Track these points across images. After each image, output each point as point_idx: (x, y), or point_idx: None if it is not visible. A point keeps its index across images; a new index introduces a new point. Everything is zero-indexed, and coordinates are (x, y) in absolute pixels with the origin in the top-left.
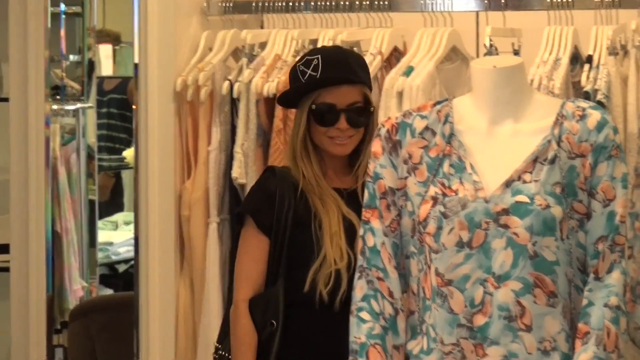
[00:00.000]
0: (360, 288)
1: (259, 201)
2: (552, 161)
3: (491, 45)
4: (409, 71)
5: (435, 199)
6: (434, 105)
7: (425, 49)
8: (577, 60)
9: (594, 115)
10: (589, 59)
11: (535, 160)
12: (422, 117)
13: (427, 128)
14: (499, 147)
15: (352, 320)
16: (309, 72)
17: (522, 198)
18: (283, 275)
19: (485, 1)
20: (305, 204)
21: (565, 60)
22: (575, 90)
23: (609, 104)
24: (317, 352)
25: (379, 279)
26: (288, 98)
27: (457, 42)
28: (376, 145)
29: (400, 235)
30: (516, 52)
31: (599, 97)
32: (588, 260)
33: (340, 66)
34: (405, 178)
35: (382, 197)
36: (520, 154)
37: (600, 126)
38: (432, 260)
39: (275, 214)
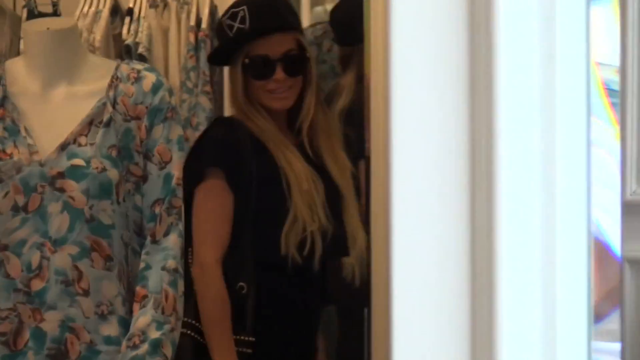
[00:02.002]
0: None
1: (226, 153)
2: (108, 124)
3: None
4: None
5: None
6: None
7: None
8: (118, 12)
9: (149, 77)
10: (130, 12)
11: (91, 122)
12: None
13: None
14: (54, 110)
15: None
16: (237, 25)
17: (77, 161)
18: (250, 236)
19: None
20: (270, 158)
21: (105, 12)
22: (116, 43)
23: (150, 57)
24: (290, 313)
25: None
26: (218, 56)
27: None
28: None
29: None
30: (55, 5)
31: (141, 50)
32: (145, 224)
33: (268, 14)
34: None
35: None
36: (76, 116)
37: (155, 88)
38: None
39: (241, 167)
